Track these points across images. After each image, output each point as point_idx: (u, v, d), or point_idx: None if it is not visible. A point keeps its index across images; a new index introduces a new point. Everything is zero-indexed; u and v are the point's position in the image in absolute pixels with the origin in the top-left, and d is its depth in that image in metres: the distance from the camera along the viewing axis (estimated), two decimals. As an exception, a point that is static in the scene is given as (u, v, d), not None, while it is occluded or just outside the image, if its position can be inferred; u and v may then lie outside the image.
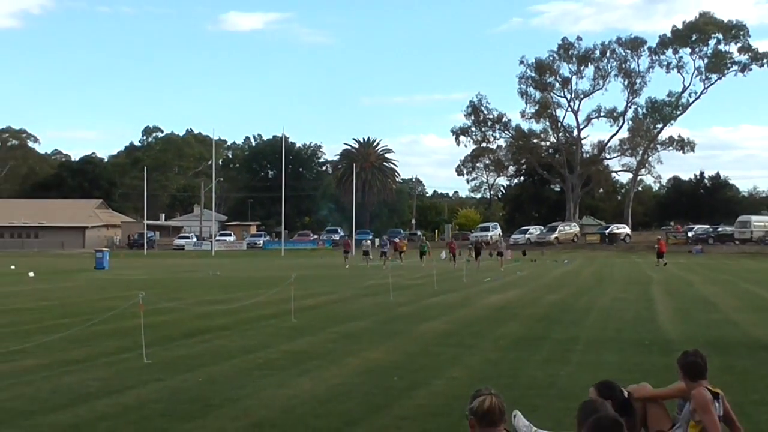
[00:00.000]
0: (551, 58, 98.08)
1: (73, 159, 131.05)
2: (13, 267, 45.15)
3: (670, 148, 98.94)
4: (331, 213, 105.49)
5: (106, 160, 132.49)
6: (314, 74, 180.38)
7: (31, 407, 9.53)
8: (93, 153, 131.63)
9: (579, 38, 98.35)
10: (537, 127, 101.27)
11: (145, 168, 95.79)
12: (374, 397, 10.04)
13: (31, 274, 38.40)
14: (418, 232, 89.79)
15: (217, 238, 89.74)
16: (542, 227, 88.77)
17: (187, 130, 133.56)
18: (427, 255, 51.18)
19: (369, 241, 57.61)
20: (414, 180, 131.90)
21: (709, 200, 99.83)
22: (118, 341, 14.71)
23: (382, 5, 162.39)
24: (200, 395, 10.10)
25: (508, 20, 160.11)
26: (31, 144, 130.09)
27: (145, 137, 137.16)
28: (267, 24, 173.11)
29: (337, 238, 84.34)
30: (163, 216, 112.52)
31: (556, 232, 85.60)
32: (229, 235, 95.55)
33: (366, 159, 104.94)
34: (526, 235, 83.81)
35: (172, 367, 12.14)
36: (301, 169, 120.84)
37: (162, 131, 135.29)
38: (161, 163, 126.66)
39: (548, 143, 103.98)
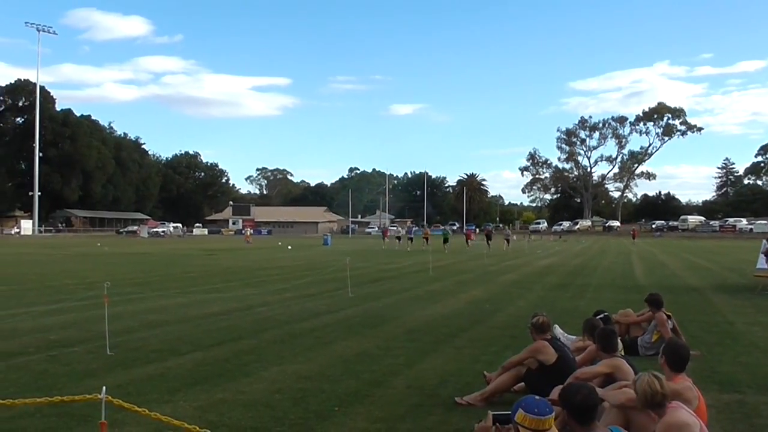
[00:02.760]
0: (574, 127, 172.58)
1: (311, 185, 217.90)
2: (279, 243, 67.96)
3: (642, 177, 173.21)
4: (451, 214, 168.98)
5: (329, 185, 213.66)
6: (441, 138, 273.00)
7: (287, 319, 15.50)
8: (322, 181, 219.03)
9: (590, 117, 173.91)
10: (567, 165, 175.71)
11: (350, 190, 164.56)
12: (475, 315, 16.33)
13: (289, 247, 61.63)
14: (490, 225, 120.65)
15: (389, 227, 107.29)
16: (570, 222, 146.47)
17: (372, 168, 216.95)
18: (449, 243, 58.25)
19: (398, 228, 68.31)
20: (498, 196, 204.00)
21: (664, 207, 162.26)
22: (335, 284, 23.59)
23: (478, 100, 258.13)
24: (379, 314, 16.47)
25: (548, 107, 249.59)
26: (288, 176, 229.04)
27: (349, 172, 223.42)
28: (415, 110, 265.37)
29: (455, 228, 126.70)
30: (359, 216, 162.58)
31: (578, 225, 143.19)
32: (395, 226, 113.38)
33: (471, 184, 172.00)
34: (561, 227, 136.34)
35: (364, 299, 19.78)
36: (434, 190, 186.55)
37: (359, 169, 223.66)
38: (358, 186, 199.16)
39: (573, 175, 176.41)
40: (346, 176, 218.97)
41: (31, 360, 10.77)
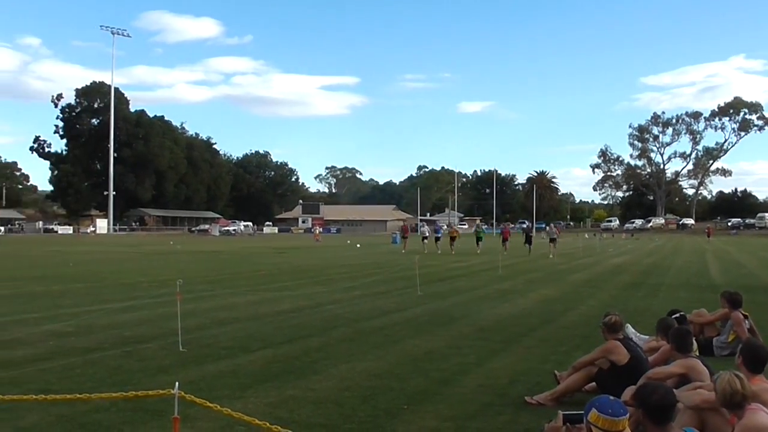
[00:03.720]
0: (647, 123, 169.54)
1: (380, 183, 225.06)
2: (348, 242, 67.32)
3: (717, 174, 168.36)
4: (521, 212, 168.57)
5: (397, 183, 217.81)
6: (510, 135, 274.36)
7: (356, 317, 15.57)
8: (390, 180, 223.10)
9: (662, 112, 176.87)
10: (639, 162, 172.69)
11: (418, 188, 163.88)
12: (545, 315, 16.21)
13: (358, 245, 60.85)
14: (561, 223, 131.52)
15: (458, 225, 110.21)
16: (642, 220, 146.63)
17: (441, 166, 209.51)
18: (482, 241, 51.81)
19: (425, 228, 55.19)
20: (568, 193, 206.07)
21: (740, 204, 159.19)
22: (404, 282, 23.58)
23: (548, 97, 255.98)
24: (448, 313, 16.43)
25: (620, 103, 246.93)
26: (357, 175, 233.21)
27: (418, 170, 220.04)
28: (483, 108, 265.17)
29: (525, 227, 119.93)
30: (428, 214, 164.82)
31: (651, 223, 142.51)
32: (465, 224, 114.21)
33: (541, 182, 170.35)
34: (633, 225, 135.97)
35: (433, 297, 19.78)
36: (504, 188, 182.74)
37: (427, 167, 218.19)
38: (427, 184, 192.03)
39: (646, 172, 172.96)
40: (414, 174, 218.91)
41: (107, 355, 10.99)
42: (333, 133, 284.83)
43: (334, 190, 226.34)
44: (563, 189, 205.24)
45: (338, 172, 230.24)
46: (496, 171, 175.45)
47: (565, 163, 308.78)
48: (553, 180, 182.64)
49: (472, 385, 9.15)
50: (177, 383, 4.67)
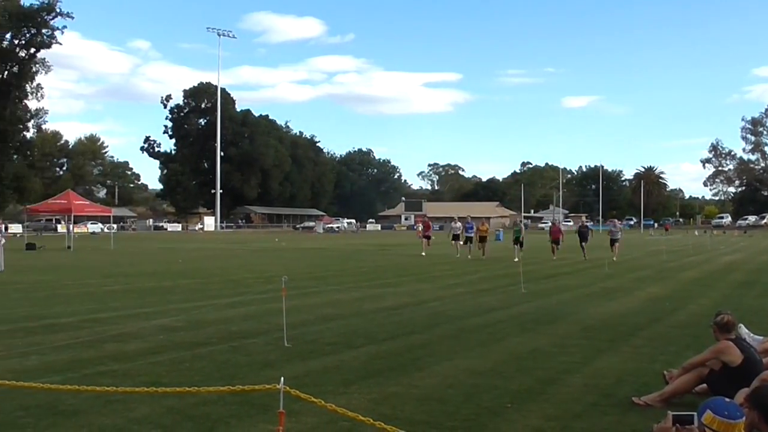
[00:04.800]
0: (760, 116, 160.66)
1: (483, 180, 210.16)
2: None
3: None
4: (628, 209, 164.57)
5: (500, 180, 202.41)
6: (616, 130, 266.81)
7: (460, 314, 15.44)
8: (493, 176, 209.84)
9: None
10: (752, 157, 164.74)
11: (522, 184, 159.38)
12: (653, 313, 15.78)
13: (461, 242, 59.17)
14: (671, 219, 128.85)
15: (562, 222, 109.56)
16: (756, 216, 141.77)
17: (545, 162, 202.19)
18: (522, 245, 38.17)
19: (458, 224, 41.87)
20: (677, 189, 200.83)
21: None
22: (507, 279, 23.38)
23: (655, 90, 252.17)
24: (553, 311, 16.15)
25: (731, 96, 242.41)
26: (460, 172, 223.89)
27: (522, 166, 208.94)
28: (588, 102, 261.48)
29: (632, 223, 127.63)
30: (532, 210, 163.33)
31: (765, 219, 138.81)
32: (569, 221, 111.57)
33: (648, 177, 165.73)
34: (746, 222, 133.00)
35: (538, 295, 19.55)
36: (610, 184, 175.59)
37: (531, 163, 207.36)
38: (531, 180, 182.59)
39: (759, 167, 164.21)
40: (518, 170, 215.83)
41: (215, 350, 11.22)
42: (435, 129, 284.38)
43: (436, 187, 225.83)
44: (672, 185, 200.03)
45: (441, 169, 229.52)
46: (602, 166, 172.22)
47: (674, 158, 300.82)
48: (661, 176, 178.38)
49: (578, 385, 8.99)
50: (282, 378, 4.72)
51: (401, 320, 14.76)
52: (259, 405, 7.63)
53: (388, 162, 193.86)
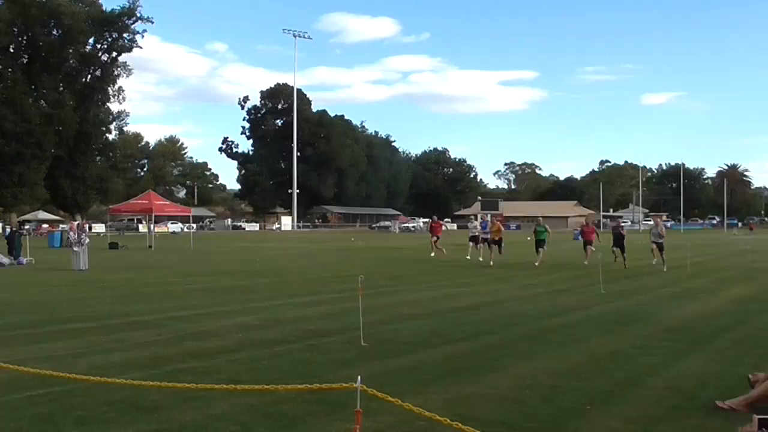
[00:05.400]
0: None
1: (560, 178, 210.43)
2: (528, 239, 59.97)
3: None
4: (710, 208, 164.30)
5: (578, 178, 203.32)
6: (698, 127, 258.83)
7: (538, 315, 15.34)
8: (571, 175, 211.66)
9: None
10: None
11: (600, 183, 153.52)
12: (738, 315, 15.34)
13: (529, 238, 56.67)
14: (755, 218, 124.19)
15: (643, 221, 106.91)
16: None
17: (624, 160, 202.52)
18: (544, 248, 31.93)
19: (476, 222, 37.95)
20: (762, 187, 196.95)
21: None
22: (586, 279, 23.16)
23: (739, 85, 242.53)
24: (633, 312, 15.79)
25: None
26: (537, 171, 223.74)
27: (600, 165, 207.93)
28: (668, 99, 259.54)
29: (715, 222, 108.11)
30: (611, 210, 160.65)
31: None
32: (650, 220, 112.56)
33: (732, 176, 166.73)
34: None
35: (617, 295, 19.19)
36: (691, 182, 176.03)
37: (610, 161, 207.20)
38: (609, 179, 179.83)
39: None
40: (596, 169, 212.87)
41: (292, 348, 11.31)
42: (511, 128, 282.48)
43: (513, 186, 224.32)
44: (757, 183, 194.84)
45: (517, 168, 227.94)
46: (683, 164, 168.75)
47: (759, 156, 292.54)
48: (745, 173, 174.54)
49: (659, 387, 8.80)
50: (359, 377, 4.71)
51: (478, 320, 14.66)
52: (336, 403, 7.65)
53: (464, 161, 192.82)
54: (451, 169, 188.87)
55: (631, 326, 13.86)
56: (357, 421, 4.61)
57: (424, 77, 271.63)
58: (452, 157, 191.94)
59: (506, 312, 15.99)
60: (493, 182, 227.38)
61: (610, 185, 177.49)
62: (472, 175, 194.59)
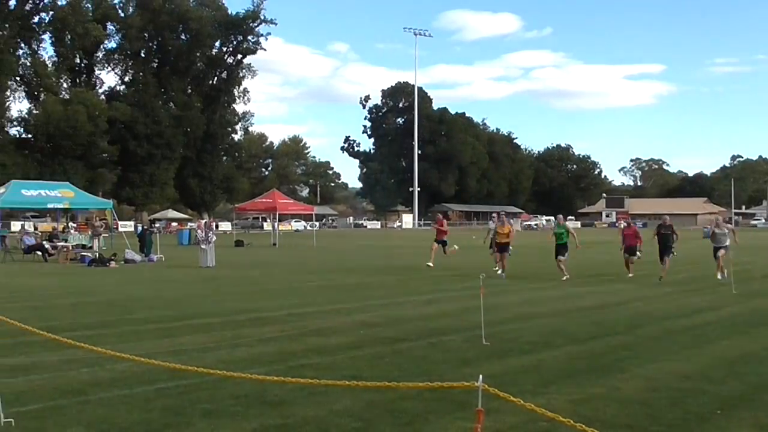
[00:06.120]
0: None
1: (689, 175, 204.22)
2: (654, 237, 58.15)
3: None
4: None
5: (708, 175, 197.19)
6: None
7: (665, 315, 14.84)
8: (701, 171, 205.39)
9: None
10: None
11: (732, 179, 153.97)
12: None
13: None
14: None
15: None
16: None
17: (758, 155, 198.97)
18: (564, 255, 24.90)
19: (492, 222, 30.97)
20: None
21: None
22: (716, 280, 22.40)
23: None
24: (767, 313, 15.77)
25: None
26: (664, 167, 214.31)
27: (731, 160, 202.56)
28: None
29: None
30: (743, 207, 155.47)
31: None
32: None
33: None
34: None
35: (750, 296, 18.58)
36: None
37: (742, 157, 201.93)
38: (741, 175, 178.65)
39: None
40: (727, 164, 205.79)
41: (413, 346, 11.34)
42: (637, 123, 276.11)
43: (639, 183, 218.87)
44: None
45: (643, 164, 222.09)
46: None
47: None
48: None
49: (796, 392, 8.42)
50: (480, 376, 4.67)
51: (602, 320, 14.37)
52: (457, 402, 7.62)
53: (588, 158, 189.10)
54: (574, 166, 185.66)
55: (765, 327, 13.36)
56: (478, 420, 4.56)
57: (546, 73, 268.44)
58: (576, 153, 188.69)
59: (632, 312, 15.64)
60: (618, 179, 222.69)
61: (742, 181, 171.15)
62: (596, 172, 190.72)
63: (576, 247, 25.21)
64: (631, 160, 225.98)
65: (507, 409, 6.93)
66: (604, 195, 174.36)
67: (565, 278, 23.28)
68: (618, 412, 7.56)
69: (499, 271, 25.15)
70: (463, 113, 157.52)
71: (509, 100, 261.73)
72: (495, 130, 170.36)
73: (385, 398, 7.83)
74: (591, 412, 7.48)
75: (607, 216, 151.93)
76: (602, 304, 17.04)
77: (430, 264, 27.10)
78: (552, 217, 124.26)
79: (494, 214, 30.40)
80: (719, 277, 22.85)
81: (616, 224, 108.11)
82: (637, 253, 25.19)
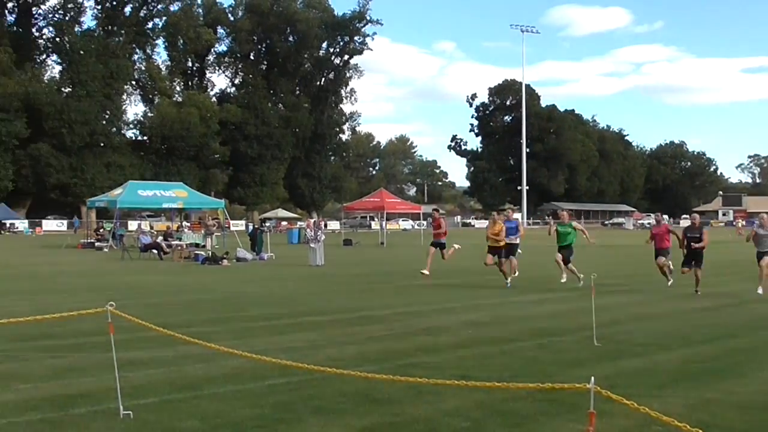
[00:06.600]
0: None
1: None
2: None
3: None
4: None
5: None
6: None
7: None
8: None
9: None
10: None
11: None
12: None
13: None
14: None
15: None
16: None
17: None
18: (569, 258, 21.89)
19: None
20: None
21: None
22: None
23: None
24: None
25: None
26: None
27: None
28: None
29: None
30: None
31: None
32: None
33: None
34: None
35: None
36: None
37: None
38: None
39: None
40: None
41: (522, 346, 11.23)
42: (756, 118, 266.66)
43: (758, 180, 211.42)
44: None
45: (762, 161, 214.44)
46: None
47: None
48: None
49: None
50: (593, 378, 4.58)
51: (719, 322, 13.95)
52: (568, 404, 7.50)
53: (703, 154, 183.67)
54: (689, 163, 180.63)
55: None
56: (590, 422, 4.49)
57: (658, 68, 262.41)
58: (690, 150, 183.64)
59: (752, 314, 15.14)
60: (735, 176, 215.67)
61: None
62: (711, 169, 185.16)
63: (589, 242, 22.47)
64: (749, 157, 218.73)
65: (619, 412, 6.79)
66: (721, 193, 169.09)
67: (564, 279, 20.42)
68: (737, 417, 7.31)
69: (509, 278, 21.47)
70: (572, 110, 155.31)
71: (619, 96, 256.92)
72: (605, 127, 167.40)
73: (494, 398, 7.78)
74: (708, 417, 7.24)
75: (724, 215, 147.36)
76: (718, 305, 16.55)
77: (425, 272, 23.16)
78: (666, 216, 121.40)
79: (493, 213, 25.31)
80: (759, 291, 18.23)
81: (733, 223, 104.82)
82: (667, 256, 20.36)
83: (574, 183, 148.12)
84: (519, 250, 21.62)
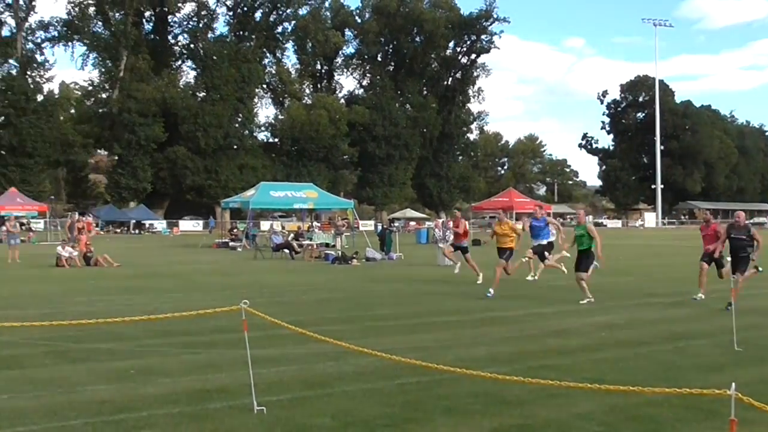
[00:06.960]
0: None
1: None
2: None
3: None
4: None
5: None
6: None
7: None
8: None
9: None
10: None
11: None
12: None
13: None
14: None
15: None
16: None
17: None
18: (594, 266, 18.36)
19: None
20: None
21: None
22: None
23: None
24: None
25: None
26: None
27: None
28: None
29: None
30: None
31: None
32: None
33: None
34: None
35: None
36: None
37: None
38: None
39: None
40: None
41: (658, 350, 10.92)
42: None
43: None
44: None
45: None
46: None
47: None
48: None
49: None
50: (733, 384, 4.41)
51: None
52: (707, 410, 7.26)
53: None
54: None
55: None
56: (731, 430, 4.32)
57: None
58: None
59: None
60: None
61: None
62: None
63: (598, 258, 17.44)
64: None
65: (763, 420, 6.51)
66: None
67: (585, 301, 16.68)
68: None
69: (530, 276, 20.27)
70: (709, 105, 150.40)
71: (760, 90, 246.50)
72: (745, 123, 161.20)
73: (628, 403, 7.59)
74: None
75: None
76: None
77: (456, 271, 23.22)
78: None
79: (500, 211, 23.75)
80: None
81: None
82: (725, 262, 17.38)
83: (712, 181, 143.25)
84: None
